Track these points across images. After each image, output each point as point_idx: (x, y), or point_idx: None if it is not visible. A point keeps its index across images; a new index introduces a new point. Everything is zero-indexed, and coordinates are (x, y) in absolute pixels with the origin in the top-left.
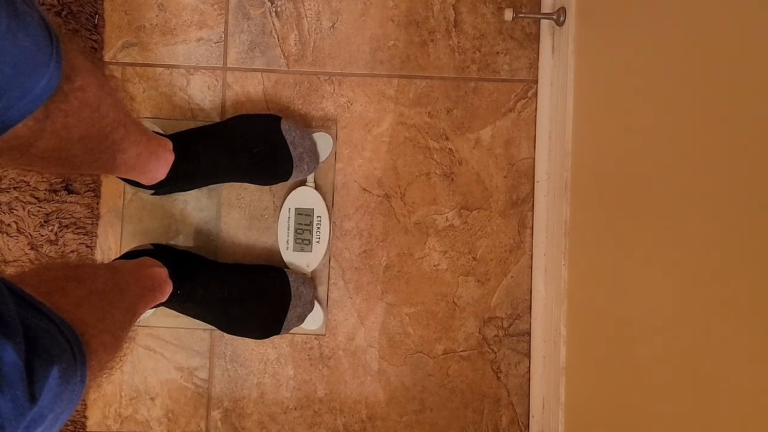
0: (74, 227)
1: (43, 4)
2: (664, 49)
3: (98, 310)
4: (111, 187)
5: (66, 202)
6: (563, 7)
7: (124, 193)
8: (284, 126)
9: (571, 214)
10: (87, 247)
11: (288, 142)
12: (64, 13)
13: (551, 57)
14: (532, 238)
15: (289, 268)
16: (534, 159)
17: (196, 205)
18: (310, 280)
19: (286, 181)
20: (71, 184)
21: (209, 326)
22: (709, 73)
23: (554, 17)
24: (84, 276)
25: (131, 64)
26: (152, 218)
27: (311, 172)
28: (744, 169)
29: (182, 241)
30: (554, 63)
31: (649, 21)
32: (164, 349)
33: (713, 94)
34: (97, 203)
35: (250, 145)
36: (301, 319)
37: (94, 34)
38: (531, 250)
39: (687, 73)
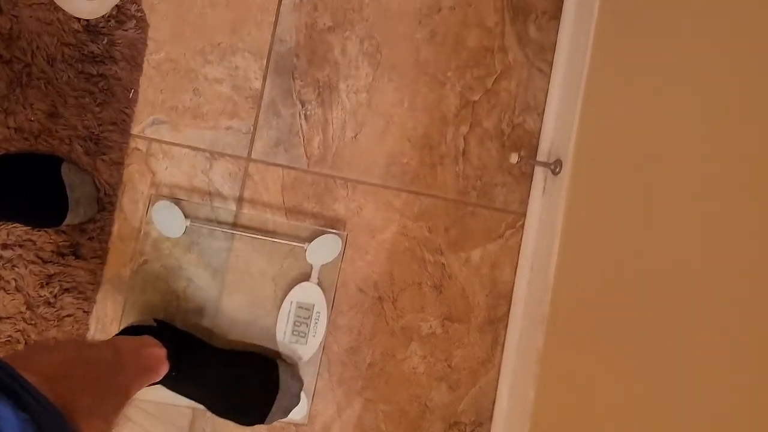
0: (75, 291)
1: (82, 72)
2: (656, 218)
3: (96, 398)
4: (118, 255)
5: (70, 266)
6: (559, 159)
7: (131, 262)
8: (65, 169)
9: (545, 344)
10: (84, 312)
11: (66, 185)
12: (101, 84)
13: (541, 197)
14: (502, 355)
15: (281, 357)
16: (513, 284)
17: (200, 284)
18: (298, 374)
19: (59, 225)
20: (80, 249)
21: (192, 402)
22: (692, 235)
23: (551, 167)
24: (90, 359)
25: (158, 140)
26: (155, 292)
27: (88, 218)
28: (716, 321)
29: (180, 317)
30: (543, 203)
31: (642, 189)
32: (144, 421)
33: (693, 252)
34: (101, 270)
35: (24, 184)
36: (286, 412)
37: (127, 108)
38: (499, 366)
39: (671, 241)
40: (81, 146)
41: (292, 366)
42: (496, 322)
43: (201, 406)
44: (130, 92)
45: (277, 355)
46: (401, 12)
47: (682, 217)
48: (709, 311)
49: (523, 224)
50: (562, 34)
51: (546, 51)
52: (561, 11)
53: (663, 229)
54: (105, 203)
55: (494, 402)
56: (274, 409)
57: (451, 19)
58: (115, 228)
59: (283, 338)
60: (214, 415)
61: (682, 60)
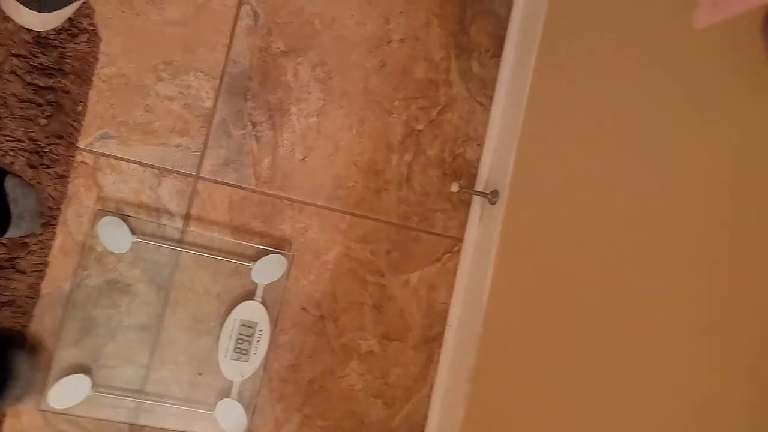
0: (14, 305)
1: (30, 83)
2: (584, 249)
3: None
4: (60, 269)
5: (9, 279)
6: (497, 190)
7: (73, 276)
8: (8, 182)
9: (476, 364)
10: (22, 326)
11: (9, 199)
12: (49, 96)
13: (478, 224)
14: (436, 373)
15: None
16: (449, 305)
17: (144, 300)
18: (35, 363)
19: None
20: (20, 262)
21: (130, 417)
22: (619, 266)
23: (488, 197)
24: None
25: (106, 155)
26: (96, 306)
27: (30, 232)
28: (640, 349)
29: (122, 332)
30: (480, 230)
31: (573, 222)
32: None
33: (620, 280)
34: (40, 284)
35: None
36: (18, 399)
37: (75, 121)
38: (432, 383)
39: (598, 271)
40: (25, 158)
41: (29, 354)
42: (431, 342)
43: (141, 421)
44: (78, 106)
45: (22, 341)
46: (353, 41)
47: (610, 249)
48: (636, 338)
49: (460, 249)
50: (503, 72)
51: (487, 86)
52: (502, 50)
53: (591, 260)
54: (48, 217)
55: (426, 418)
56: (4, 396)
57: (400, 52)
58: (58, 242)
59: (225, 355)
60: (153, 430)
61: (615, 99)
